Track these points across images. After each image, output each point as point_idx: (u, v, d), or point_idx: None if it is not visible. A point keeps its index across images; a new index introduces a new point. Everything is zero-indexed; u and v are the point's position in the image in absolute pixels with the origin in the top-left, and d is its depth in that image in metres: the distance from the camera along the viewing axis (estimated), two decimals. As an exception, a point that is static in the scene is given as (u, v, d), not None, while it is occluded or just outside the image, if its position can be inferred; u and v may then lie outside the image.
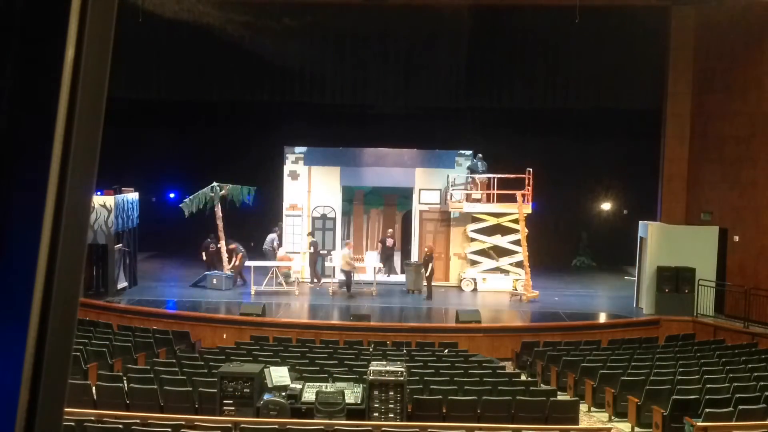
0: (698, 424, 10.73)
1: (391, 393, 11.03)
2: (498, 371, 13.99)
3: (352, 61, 21.94)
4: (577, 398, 12.49)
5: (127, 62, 19.92)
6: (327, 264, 22.44)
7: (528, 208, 21.41)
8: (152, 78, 22.50)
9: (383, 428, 10.27)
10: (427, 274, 20.59)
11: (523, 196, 21.26)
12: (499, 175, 21.81)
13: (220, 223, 21.57)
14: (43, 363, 0.90)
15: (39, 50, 0.91)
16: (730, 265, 19.38)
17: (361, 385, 11.62)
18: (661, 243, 19.38)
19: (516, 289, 20.98)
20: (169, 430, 9.80)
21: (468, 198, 21.97)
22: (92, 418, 10.00)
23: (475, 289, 21.67)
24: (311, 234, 22.23)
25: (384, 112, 25.12)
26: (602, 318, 19.42)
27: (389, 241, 22.65)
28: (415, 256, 22.47)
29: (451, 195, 22.01)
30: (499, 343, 17.24)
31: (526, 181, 21.28)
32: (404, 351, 14.28)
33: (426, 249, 21.32)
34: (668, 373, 13.57)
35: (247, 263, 21.40)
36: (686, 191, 20.74)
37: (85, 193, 0.95)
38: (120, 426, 9.77)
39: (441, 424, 10.93)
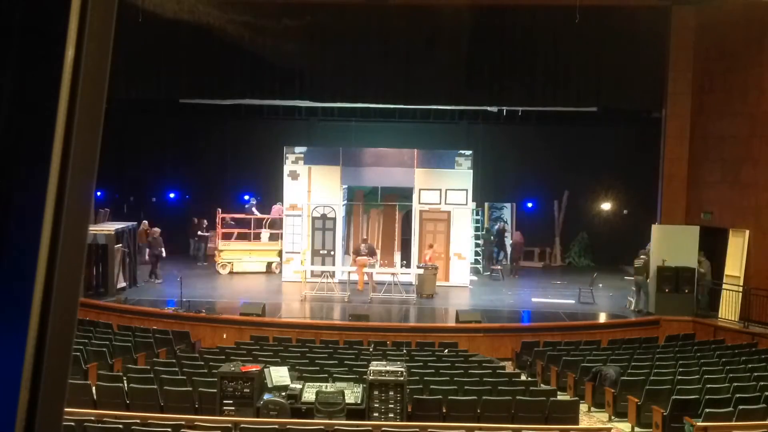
0: (698, 424, 10.73)
1: (391, 393, 11.03)
2: (498, 371, 13.98)
3: (352, 61, 21.90)
4: (577, 398, 12.49)
5: (127, 62, 19.90)
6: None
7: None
8: (152, 78, 22.46)
9: (383, 428, 10.27)
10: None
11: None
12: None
13: None
14: (43, 363, 0.90)
15: (39, 50, 0.91)
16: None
17: (361, 385, 11.62)
18: (661, 243, 19.36)
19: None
20: (169, 430, 9.80)
21: None
22: (92, 418, 10.00)
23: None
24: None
25: (384, 113, 25.12)
26: (602, 318, 19.41)
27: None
28: (415, 257, 22.45)
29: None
30: (499, 343, 17.23)
31: None
32: (404, 351, 14.29)
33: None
34: (668, 373, 13.57)
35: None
36: (686, 191, 20.71)
37: (85, 193, 0.95)
38: (120, 426, 9.77)
39: (441, 424, 10.92)
